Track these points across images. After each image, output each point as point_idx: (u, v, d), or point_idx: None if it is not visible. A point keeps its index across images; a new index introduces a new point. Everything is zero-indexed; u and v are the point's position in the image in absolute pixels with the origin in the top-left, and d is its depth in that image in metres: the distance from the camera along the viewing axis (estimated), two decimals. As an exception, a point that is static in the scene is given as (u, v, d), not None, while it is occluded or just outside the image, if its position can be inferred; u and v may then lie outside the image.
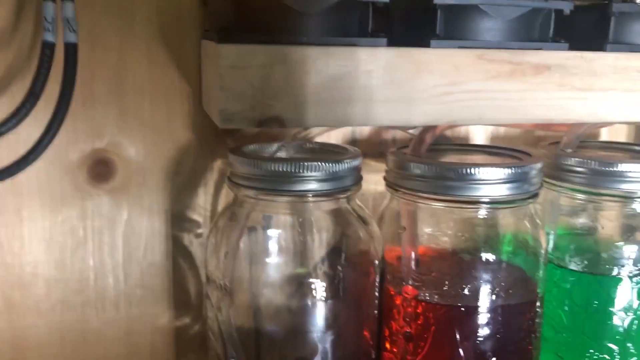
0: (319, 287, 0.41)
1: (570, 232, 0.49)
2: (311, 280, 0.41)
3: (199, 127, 0.45)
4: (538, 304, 0.43)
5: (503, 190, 0.39)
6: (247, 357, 0.41)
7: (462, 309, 0.41)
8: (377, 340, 0.44)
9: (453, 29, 0.38)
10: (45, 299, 0.44)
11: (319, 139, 0.49)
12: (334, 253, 0.42)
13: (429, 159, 0.43)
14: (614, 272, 0.46)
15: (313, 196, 0.38)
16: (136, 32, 0.42)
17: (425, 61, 0.37)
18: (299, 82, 0.34)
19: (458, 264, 0.42)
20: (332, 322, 0.41)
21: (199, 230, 0.47)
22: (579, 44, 0.40)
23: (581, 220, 0.48)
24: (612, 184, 0.45)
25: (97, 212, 0.44)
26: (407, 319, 0.42)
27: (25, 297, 0.44)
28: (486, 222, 0.41)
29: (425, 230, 0.43)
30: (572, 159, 0.45)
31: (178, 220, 0.46)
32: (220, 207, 0.47)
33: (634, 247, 0.46)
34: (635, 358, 0.46)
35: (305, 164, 0.37)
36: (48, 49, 0.33)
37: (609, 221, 0.48)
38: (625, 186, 0.44)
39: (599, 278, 0.46)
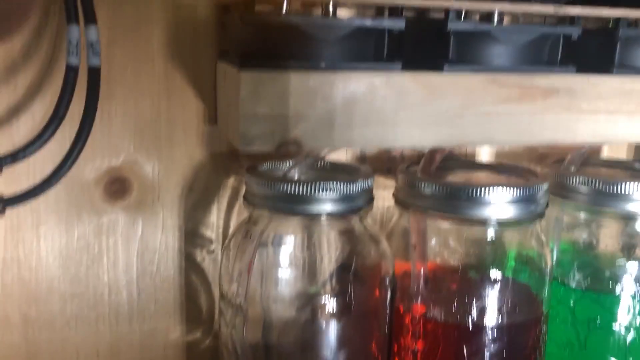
0: (331, 304, 0.41)
1: (572, 248, 0.50)
2: (323, 297, 0.42)
3: (213, 145, 0.46)
4: (543, 320, 0.44)
5: (510, 211, 0.40)
6: (261, 373, 0.42)
7: (470, 327, 0.42)
8: (387, 357, 0.45)
9: (465, 54, 0.39)
10: (61, 314, 0.45)
11: (330, 156, 0.50)
12: (345, 270, 0.43)
13: (439, 178, 0.45)
14: (616, 290, 0.47)
15: (326, 217, 0.39)
16: (152, 51, 0.43)
17: (438, 85, 0.38)
18: (317, 106, 0.35)
19: (466, 283, 0.43)
20: (343, 339, 0.42)
21: (212, 247, 0.47)
22: (586, 66, 0.41)
23: (583, 237, 0.50)
24: (614, 203, 0.46)
25: (112, 228, 0.45)
26: (416, 336, 0.43)
27: (41, 312, 0.44)
28: (493, 241, 0.42)
29: (434, 248, 0.44)
30: (576, 177, 0.46)
31: (191, 236, 0.47)
32: (232, 224, 0.47)
33: (636, 265, 0.47)
34: (638, 373, 0.48)
35: (319, 185, 0.38)
36: (72, 72, 0.33)
37: (610, 239, 0.49)
38: (627, 205, 0.46)
39: (601, 296, 0.47)
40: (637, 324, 0.47)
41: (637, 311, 0.47)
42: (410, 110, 0.37)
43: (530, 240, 0.44)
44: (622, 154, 0.61)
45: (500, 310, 0.42)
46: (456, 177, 0.46)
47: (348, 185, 0.39)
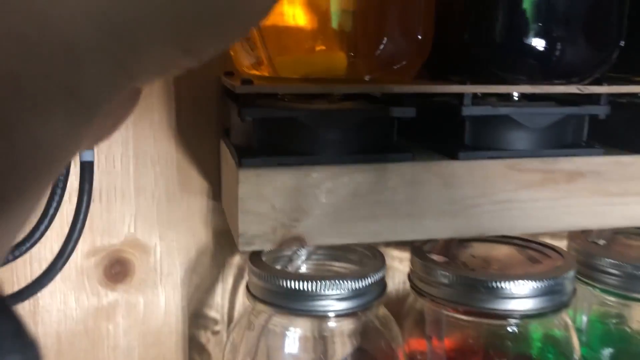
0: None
1: (602, 327, 0.47)
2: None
3: (217, 222, 0.44)
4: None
5: (534, 304, 0.37)
6: None
7: None
8: None
9: (482, 138, 0.36)
10: (58, 402, 0.43)
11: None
12: (355, 360, 0.40)
13: (455, 257, 0.42)
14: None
15: (334, 316, 0.36)
16: (154, 130, 0.41)
17: (452, 174, 0.35)
18: (321, 200, 0.33)
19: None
20: None
21: (216, 328, 0.45)
22: (614, 146, 0.38)
23: (613, 319, 0.46)
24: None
25: (112, 312, 0.43)
26: None
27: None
28: (516, 335, 0.39)
29: (452, 337, 0.41)
30: (605, 260, 0.43)
31: (195, 317, 0.45)
32: (238, 305, 0.45)
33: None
34: None
35: (326, 282, 0.35)
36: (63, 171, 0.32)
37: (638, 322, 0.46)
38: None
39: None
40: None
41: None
42: (423, 201, 0.35)
43: (557, 330, 0.41)
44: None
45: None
46: (474, 255, 0.43)
47: (358, 282, 0.36)
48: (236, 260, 0.45)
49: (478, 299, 0.37)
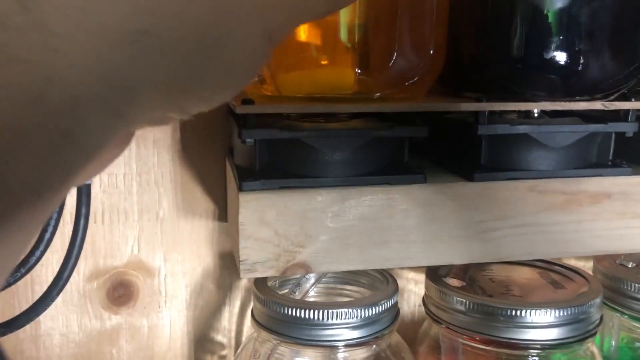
0: None
1: (630, 349, 0.44)
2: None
3: (224, 243, 0.42)
4: None
5: (557, 333, 0.35)
6: None
7: None
8: None
9: (500, 158, 0.34)
10: None
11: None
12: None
13: (473, 286, 0.40)
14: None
15: (345, 346, 0.34)
16: (157, 148, 0.40)
17: (467, 196, 0.33)
18: (327, 225, 0.31)
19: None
20: None
21: (223, 352, 0.44)
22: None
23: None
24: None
25: (116, 336, 0.41)
26: None
27: None
28: (538, 365, 0.37)
29: (469, 367, 0.38)
30: (635, 284, 0.40)
31: (201, 341, 0.43)
32: (246, 328, 0.44)
33: None
34: None
35: (334, 310, 0.33)
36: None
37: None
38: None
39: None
40: None
41: None
42: (436, 225, 0.33)
43: (582, 355, 0.38)
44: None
45: None
46: (493, 280, 0.41)
47: (369, 309, 0.34)
48: (243, 282, 0.43)
49: (496, 327, 0.35)
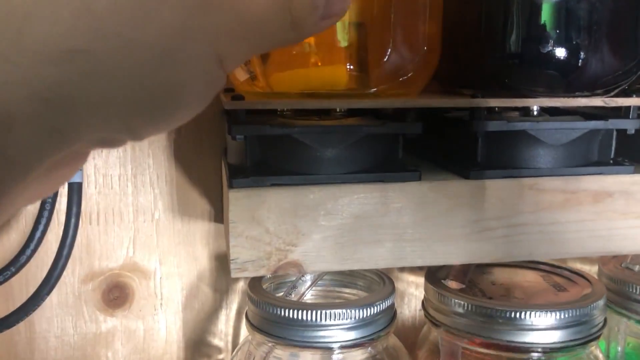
0: None
1: (637, 355, 0.43)
2: None
3: (220, 245, 0.42)
4: None
5: (559, 336, 0.34)
6: None
7: None
8: None
9: (497, 156, 0.33)
10: None
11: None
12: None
13: (473, 289, 0.39)
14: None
15: (340, 347, 0.33)
16: (153, 149, 0.40)
17: (463, 194, 0.32)
18: (319, 223, 0.31)
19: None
20: None
21: (220, 356, 0.43)
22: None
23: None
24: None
25: (111, 338, 0.41)
26: None
27: None
28: (540, 369, 0.36)
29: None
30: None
31: (197, 345, 0.43)
32: (243, 332, 0.43)
33: None
34: None
35: (329, 311, 0.33)
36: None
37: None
38: None
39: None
40: None
41: None
42: (431, 224, 0.32)
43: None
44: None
45: None
46: (494, 284, 0.40)
47: (364, 310, 0.33)
48: (240, 285, 0.43)
49: (496, 330, 0.34)
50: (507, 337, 0.34)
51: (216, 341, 0.43)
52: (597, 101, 0.33)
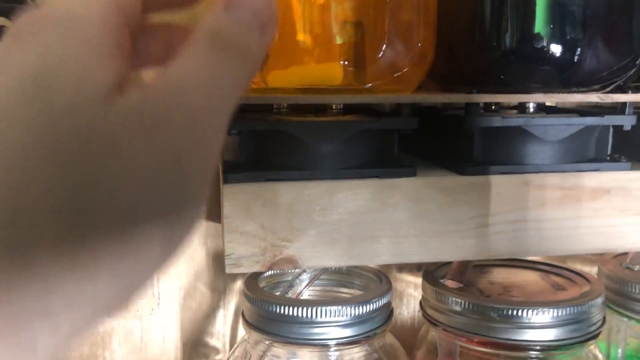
0: None
1: (638, 357, 0.43)
2: None
3: (217, 244, 0.42)
4: None
5: (557, 334, 0.34)
6: None
7: None
8: None
9: (493, 152, 0.33)
10: None
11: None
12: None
13: (471, 288, 0.39)
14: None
15: (336, 344, 0.33)
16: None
17: (459, 190, 0.32)
18: (315, 219, 0.31)
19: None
20: None
21: (217, 357, 0.43)
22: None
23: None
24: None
25: (108, 338, 0.41)
26: None
27: None
28: (538, 368, 0.35)
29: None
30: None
31: (195, 345, 0.42)
32: (241, 332, 0.43)
33: None
34: None
35: (325, 308, 0.33)
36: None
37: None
38: None
39: None
40: None
41: None
42: (427, 220, 0.32)
43: (585, 359, 0.37)
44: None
45: None
46: (492, 283, 0.40)
47: (360, 307, 0.33)
48: (237, 285, 0.43)
49: (494, 328, 0.34)
50: (505, 335, 0.34)
51: (213, 341, 0.43)
52: (592, 97, 0.33)
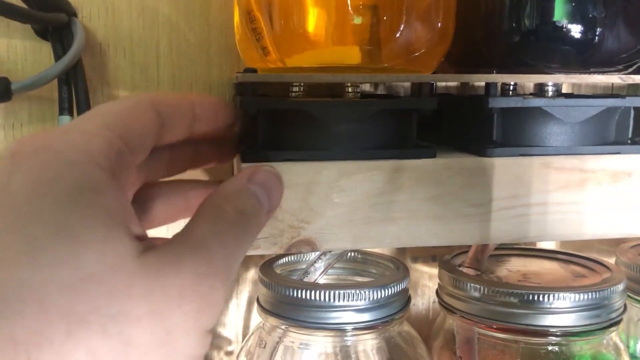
0: None
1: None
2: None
3: (231, 233, 0.41)
4: None
5: (578, 319, 0.33)
6: None
7: None
8: None
9: (513, 134, 0.33)
10: None
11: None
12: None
13: (489, 273, 0.38)
14: None
15: (353, 329, 0.33)
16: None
17: (479, 172, 0.32)
18: (333, 200, 0.30)
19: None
20: None
21: (230, 348, 0.42)
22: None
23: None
24: None
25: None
26: None
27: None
28: (558, 355, 0.35)
29: (485, 358, 0.37)
30: (661, 274, 0.38)
31: (207, 336, 0.42)
32: (253, 322, 0.42)
33: None
34: None
35: (342, 292, 0.32)
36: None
37: None
38: None
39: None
40: None
41: None
42: (445, 202, 0.31)
43: (605, 346, 0.36)
44: None
45: None
46: (510, 270, 0.39)
47: (377, 291, 0.33)
48: (251, 274, 0.42)
49: (514, 314, 0.34)
50: (525, 320, 0.33)
51: (226, 332, 0.42)
52: (613, 78, 0.32)
